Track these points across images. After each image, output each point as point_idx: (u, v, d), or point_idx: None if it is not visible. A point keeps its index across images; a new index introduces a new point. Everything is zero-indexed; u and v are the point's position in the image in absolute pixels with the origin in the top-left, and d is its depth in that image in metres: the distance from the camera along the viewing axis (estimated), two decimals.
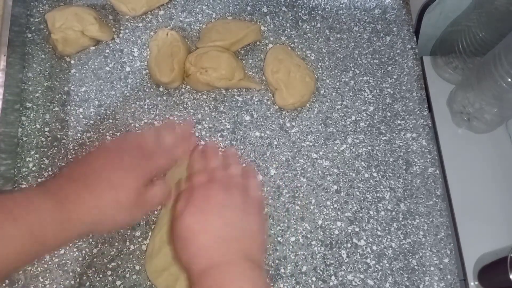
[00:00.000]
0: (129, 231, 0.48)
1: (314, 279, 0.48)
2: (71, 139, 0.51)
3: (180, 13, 0.59)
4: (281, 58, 0.55)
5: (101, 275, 0.46)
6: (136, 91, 0.54)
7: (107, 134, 0.52)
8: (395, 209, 0.52)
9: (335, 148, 0.54)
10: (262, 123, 0.54)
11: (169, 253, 0.45)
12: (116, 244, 0.47)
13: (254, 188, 0.45)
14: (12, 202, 0.34)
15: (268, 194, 0.51)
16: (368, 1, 0.63)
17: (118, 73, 0.55)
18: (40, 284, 0.45)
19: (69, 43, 0.53)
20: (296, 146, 0.54)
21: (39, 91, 0.53)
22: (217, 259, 0.37)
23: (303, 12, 0.61)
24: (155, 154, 0.43)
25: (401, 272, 0.50)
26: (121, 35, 0.57)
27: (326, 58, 0.59)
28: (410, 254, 0.50)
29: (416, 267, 0.50)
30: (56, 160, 0.50)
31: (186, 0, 0.59)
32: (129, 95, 0.54)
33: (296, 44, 0.59)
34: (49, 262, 0.46)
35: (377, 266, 0.49)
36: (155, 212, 0.48)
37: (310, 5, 0.62)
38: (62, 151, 0.50)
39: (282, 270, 0.48)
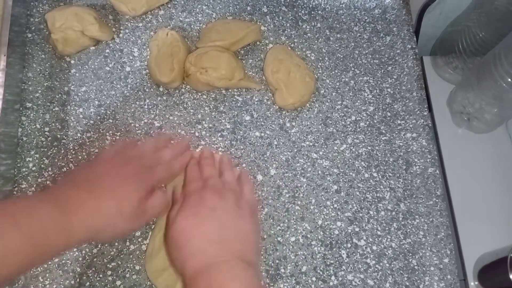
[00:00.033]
0: None
1: (314, 279, 0.48)
2: (71, 139, 0.51)
3: (180, 13, 0.59)
4: (281, 58, 0.55)
5: (101, 275, 0.46)
6: (136, 91, 0.54)
7: (107, 134, 0.52)
8: (395, 209, 0.52)
9: (335, 148, 0.54)
10: (262, 123, 0.54)
11: None
12: (116, 244, 0.47)
13: (247, 193, 0.47)
14: (15, 209, 0.35)
15: (268, 194, 0.51)
16: (368, 1, 0.63)
17: (118, 73, 0.55)
18: (40, 284, 0.45)
19: (69, 43, 0.53)
20: (296, 146, 0.54)
21: (39, 91, 0.53)
22: (209, 261, 0.38)
23: (303, 12, 0.61)
24: (156, 168, 0.44)
25: (401, 272, 0.50)
26: (121, 35, 0.57)
27: (326, 58, 0.59)
28: (410, 254, 0.50)
29: (416, 267, 0.50)
30: (56, 160, 0.50)
31: (186, 0, 0.59)
32: (129, 95, 0.54)
33: (296, 44, 0.59)
34: (49, 262, 0.46)
35: (377, 266, 0.49)
36: (154, 219, 0.48)
37: (310, 5, 0.62)
38: (62, 151, 0.50)
39: (282, 270, 0.48)
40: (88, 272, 0.46)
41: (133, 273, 0.46)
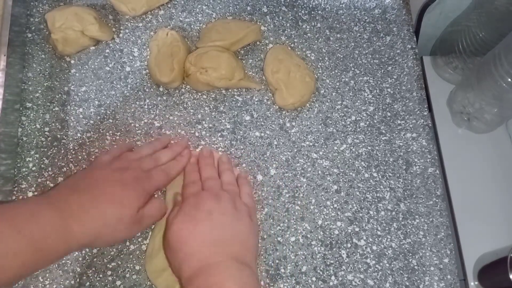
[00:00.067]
0: None
1: (314, 279, 0.48)
2: (71, 139, 0.51)
3: (180, 13, 0.59)
4: (281, 58, 0.55)
5: (101, 275, 0.46)
6: (136, 91, 0.54)
7: (107, 134, 0.52)
8: (395, 209, 0.52)
9: (335, 148, 0.54)
10: (262, 123, 0.54)
11: None
12: (116, 244, 0.47)
13: (245, 195, 0.47)
14: (16, 214, 0.35)
15: (268, 194, 0.51)
16: (368, 1, 0.63)
17: (118, 73, 0.55)
18: (40, 284, 0.45)
19: (69, 43, 0.53)
20: (296, 146, 0.54)
21: (39, 91, 0.53)
22: (204, 262, 0.38)
23: (303, 12, 0.61)
24: (154, 173, 0.45)
25: (401, 272, 0.50)
26: (121, 35, 0.57)
27: (326, 58, 0.59)
28: (410, 254, 0.50)
29: (416, 267, 0.50)
30: (56, 160, 0.50)
31: (186, 0, 0.59)
32: (129, 95, 0.54)
33: (296, 44, 0.59)
34: None
35: (377, 266, 0.49)
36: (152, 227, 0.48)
37: (310, 5, 0.62)
38: (62, 151, 0.50)
39: (282, 270, 0.48)
40: (88, 272, 0.46)
41: (133, 273, 0.46)
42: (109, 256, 0.47)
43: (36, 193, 0.48)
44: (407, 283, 0.49)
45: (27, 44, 0.54)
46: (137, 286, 0.46)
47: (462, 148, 0.65)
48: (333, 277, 0.48)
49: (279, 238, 0.49)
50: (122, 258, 0.47)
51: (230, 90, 0.56)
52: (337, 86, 0.58)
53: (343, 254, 0.49)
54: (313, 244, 0.49)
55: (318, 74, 0.58)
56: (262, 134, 0.54)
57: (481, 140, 0.66)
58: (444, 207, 0.53)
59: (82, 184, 0.41)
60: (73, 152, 0.50)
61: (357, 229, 0.51)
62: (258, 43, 0.59)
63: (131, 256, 0.47)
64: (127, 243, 0.47)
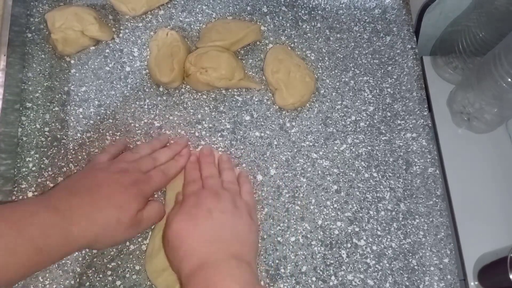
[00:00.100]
0: None
1: (314, 279, 0.48)
2: (71, 139, 0.51)
3: (180, 13, 0.59)
4: (281, 58, 0.55)
5: (101, 275, 0.46)
6: (136, 91, 0.54)
7: (107, 134, 0.52)
8: (395, 209, 0.52)
9: (335, 148, 0.54)
10: (262, 123, 0.54)
11: None
12: (115, 246, 0.47)
13: (246, 193, 0.47)
14: (16, 215, 0.35)
15: (268, 194, 0.51)
16: (368, 1, 0.63)
17: (118, 73, 0.55)
18: (40, 284, 0.45)
19: (69, 43, 0.53)
20: (296, 146, 0.54)
21: (39, 91, 0.53)
22: (204, 260, 0.38)
23: (303, 12, 0.61)
24: (153, 174, 0.45)
25: (401, 272, 0.50)
26: (121, 35, 0.57)
27: (326, 58, 0.59)
28: (410, 254, 0.50)
29: (416, 267, 0.50)
30: (56, 160, 0.50)
31: (186, 0, 0.59)
32: (129, 95, 0.54)
33: (296, 44, 0.59)
34: None
35: (377, 266, 0.49)
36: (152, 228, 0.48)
37: (310, 5, 0.62)
38: (62, 151, 0.50)
39: (282, 270, 0.48)
40: (88, 272, 0.46)
41: (133, 273, 0.46)
42: (109, 256, 0.47)
43: (36, 193, 0.48)
44: (407, 283, 0.49)
45: (27, 44, 0.54)
46: (137, 286, 0.46)
47: (462, 148, 0.65)
48: (333, 277, 0.48)
49: (279, 238, 0.49)
50: (122, 258, 0.47)
51: (230, 90, 0.55)
52: (337, 86, 0.58)
53: (343, 254, 0.49)
54: (313, 244, 0.49)
55: (318, 74, 0.58)
56: (262, 134, 0.54)
57: (481, 140, 0.66)
58: (444, 207, 0.53)
59: (82, 186, 0.41)
60: (73, 152, 0.50)
61: (357, 229, 0.51)
62: (258, 43, 0.59)
63: (131, 256, 0.47)
64: (127, 243, 0.47)
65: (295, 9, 0.61)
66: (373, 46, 0.60)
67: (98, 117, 0.52)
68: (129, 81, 0.54)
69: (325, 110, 0.56)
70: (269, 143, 0.53)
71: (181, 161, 0.49)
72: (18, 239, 0.34)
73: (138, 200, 0.42)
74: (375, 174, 0.54)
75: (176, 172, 0.48)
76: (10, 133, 0.49)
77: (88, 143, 0.51)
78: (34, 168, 0.49)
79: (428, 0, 0.68)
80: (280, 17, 0.60)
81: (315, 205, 0.51)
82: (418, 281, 0.49)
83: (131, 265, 0.46)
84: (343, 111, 0.56)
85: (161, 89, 0.55)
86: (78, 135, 0.51)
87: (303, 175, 0.52)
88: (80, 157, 0.50)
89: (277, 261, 0.48)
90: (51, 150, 0.50)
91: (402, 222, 0.52)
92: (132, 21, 0.58)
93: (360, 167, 0.54)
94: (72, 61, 0.55)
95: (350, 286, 0.48)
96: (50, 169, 0.49)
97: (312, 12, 0.61)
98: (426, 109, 0.58)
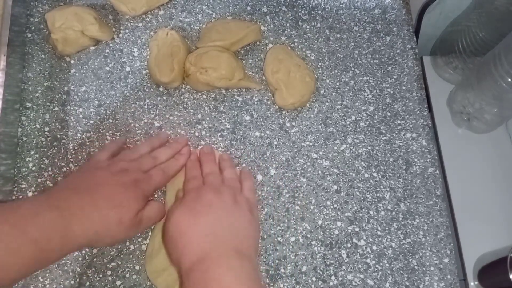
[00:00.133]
0: None
1: (314, 279, 0.48)
2: (71, 139, 0.51)
3: (180, 13, 0.59)
4: (281, 58, 0.55)
5: (101, 275, 0.46)
6: (136, 91, 0.54)
7: (107, 134, 0.52)
8: (395, 209, 0.52)
9: (335, 148, 0.54)
10: (262, 123, 0.54)
11: None
12: (116, 244, 0.47)
13: (247, 190, 0.47)
14: (18, 216, 0.35)
15: (268, 194, 0.51)
16: (368, 1, 0.63)
17: (118, 73, 0.55)
18: (40, 284, 0.45)
19: (69, 43, 0.53)
20: (296, 146, 0.54)
21: (39, 91, 0.53)
22: (204, 253, 0.38)
23: (303, 12, 0.61)
24: (153, 173, 0.45)
25: (401, 272, 0.50)
26: (121, 35, 0.57)
27: (326, 58, 0.59)
28: (410, 254, 0.50)
29: (416, 267, 0.50)
30: (56, 160, 0.50)
31: (186, 0, 0.59)
32: (129, 95, 0.54)
33: (296, 44, 0.59)
34: None
35: (377, 266, 0.49)
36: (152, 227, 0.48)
37: (310, 5, 0.62)
38: (62, 151, 0.50)
39: (282, 270, 0.48)
40: (88, 272, 0.46)
41: (133, 273, 0.46)
42: (109, 256, 0.47)
43: (36, 193, 0.48)
44: (407, 283, 0.49)
45: (27, 44, 0.54)
46: (137, 286, 0.46)
47: (462, 148, 0.65)
48: (333, 277, 0.48)
49: (279, 238, 0.49)
50: (122, 258, 0.47)
51: (230, 90, 0.55)
52: (337, 86, 0.58)
53: (343, 254, 0.49)
54: (313, 244, 0.49)
55: (318, 74, 0.58)
56: (262, 134, 0.54)
57: (481, 140, 0.66)
58: (444, 207, 0.53)
59: (82, 185, 0.41)
60: (73, 152, 0.50)
61: (357, 229, 0.51)
62: (258, 43, 0.58)
63: (131, 256, 0.47)
64: (127, 243, 0.47)
65: (295, 9, 0.61)
66: (373, 46, 0.60)
67: (98, 117, 0.52)
68: (129, 81, 0.54)
69: (325, 110, 0.56)
70: (269, 143, 0.53)
71: (181, 159, 0.49)
72: (19, 240, 0.34)
73: (138, 200, 0.42)
74: (375, 174, 0.54)
75: (176, 171, 0.48)
76: (10, 133, 0.49)
77: (88, 143, 0.51)
78: (34, 168, 0.49)
79: (428, 0, 0.68)
80: (280, 17, 0.60)
81: (315, 205, 0.51)
82: (418, 281, 0.49)
83: (131, 265, 0.46)
84: (343, 111, 0.56)
85: (161, 89, 0.55)
86: (78, 135, 0.51)
87: (303, 175, 0.52)
88: (80, 157, 0.50)
89: (277, 261, 0.48)
90: (51, 150, 0.50)
91: (402, 222, 0.52)
92: (132, 21, 0.58)
93: (360, 167, 0.54)
94: (72, 61, 0.55)
95: (350, 286, 0.48)
96: (50, 169, 0.49)
97: (312, 12, 0.61)
98: (426, 109, 0.58)
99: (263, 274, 0.48)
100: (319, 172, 0.53)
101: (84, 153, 0.50)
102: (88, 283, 0.45)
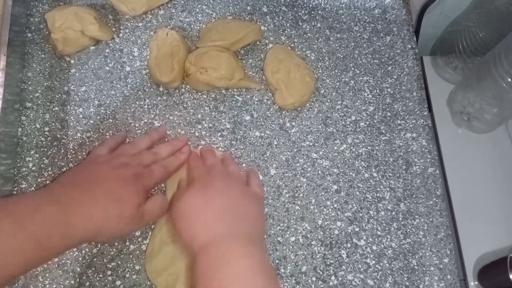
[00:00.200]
0: None
1: (314, 279, 0.48)
2: (71, 139, 0.51)
3: (180, 13, 0.59)
4: (281, 58, 0.55)
5: (101, 275, 0.46)
6: (136, 91, 0.54)
7: (107, 134, 0.52)
8: (395, 209, 0.52)
9: (335, 148, 0.54)
10: (262, 123, 0.54)
11: (169, 253, 0.45)
12: (116, 244, 0.47)
13: (255, 185, 0.47)
14: (19, 211, 0.35)
15: (268, 194, 0.51)
16: (368, 1, 0.63)
17: (118, 73, 0.55)
18: (40, 284, 0.45)
19: (69, 42, 0.53)
20: (296, 146, 0.54)
21: (39, 91, 0.53)
22: (218, 236, 0.38)
23: (303, 12, 0.61)
24: (154, 168, 0.45)
25: (401, 272, 0.50)
26: (121, 35, 0.57)
27: (326, 58, 0.59)
28: (410, 254, 0.50)
29: (416, 267, 0.50)
30: (56, 160, 0.50)
31: (186, 0, 0.59)
32: (129, 95, 0.54)
33: (296, 44, 0.59)
34: (49, 262, 0.46)
35: (377, 266, 0.49)
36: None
37: (310, 5, 0.62)
38: (62, 151, 0.50)
39: (282, 270, 0.48)
40: (88, 272, 0.46)
41: (133, 273, 0.46)
42: (109, 256, 0.47)
43: None
44: (407, 283, 0.49)
45: (27, 44, 0.54)
46: (137, 286, 0.46)
47: (462, 148, 0.65)
48: (333, 277, 0.48)
49: (279, 238, 0.49)
50: (122, 258, 0.47)
51: (230, 90, 0.55)
52: (337, 86, 0.58)
53: (343, 254, 0.49)
54: (313, 244, 0.49)
55: (318, 74, 0.58)
56: (262, 134, 0.54)
57: (481, 140, 0.66)
58: (444, 207, 0.53)
59: (83, 180, 0.41)
60: (73, 152, 0.50)
61: (357, 229, 0.51)
62: (258, 43, 0.58)
63: (131, 256, 0.47)
64: (127, 243, 0.47)
65: (295, 9, 0.61)
66: (373, 46, 0.60)
67: (98, 117, 0.52)
68: (129, 81, 0.54)
69: (325, 110, 0.56)
70: (269, 143, 0.53)
71: (182, 157, 0.48)
72: (20, 236, 0.34)
73: (138, 194, 0.41)
74: (375, 174, 0.54)
75: (177, 168, 0.48)
76: (10, 133, 0.49)
77: (88, 143, 0.51)
78: (34, 168, 0.49)
79: (428, 0, 0.68)
80: (280, 17, 0.60)
81: (315, 205, 0.51)
82: (418, 281, 0.49)
83: (131, 265, 0.46)
84: (343, 111, 0.56)
85: (161, 89, 0.55)
86: (78, 135, 0.51)
87: (303, 175, 0.52)
88: (80, 157, 0.50)
89: (277, 261, 0.48)
90: (51, 150, 0.50)
91: (402, 222, 0.52)
92: (132, 21, 0.58)
93: (360, 167, 0.54)
94: (72, 61, 0.55)
95: (350, 286, 0.48)
96: (50, 169, 0.49)
97: (312, 12, 0.61)
98: (426, 109, 0.58)
99: None
100: (319, 172, 0.53)
101: (84, 153, 0.50)
102: (88, 283, 0.45)
